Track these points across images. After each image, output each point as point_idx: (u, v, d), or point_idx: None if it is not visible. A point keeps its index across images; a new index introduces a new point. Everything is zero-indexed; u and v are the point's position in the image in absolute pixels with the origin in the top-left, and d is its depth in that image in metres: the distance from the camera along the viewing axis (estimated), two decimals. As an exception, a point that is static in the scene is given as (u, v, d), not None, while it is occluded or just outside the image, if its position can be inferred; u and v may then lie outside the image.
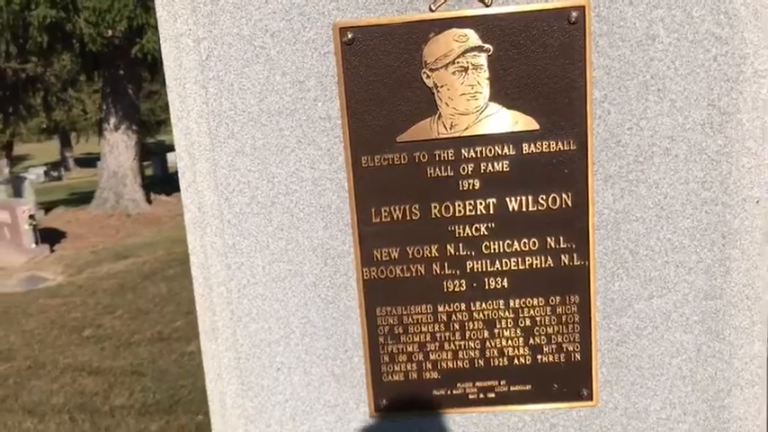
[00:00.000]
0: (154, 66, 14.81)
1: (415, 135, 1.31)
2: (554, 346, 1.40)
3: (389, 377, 1.43)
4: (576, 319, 1.39)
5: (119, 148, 14.28)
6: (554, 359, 1.41)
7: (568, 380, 1.41)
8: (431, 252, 1.37)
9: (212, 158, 1.36)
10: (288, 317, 1.42)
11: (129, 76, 14.24)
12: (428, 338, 1.41)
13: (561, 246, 1.36)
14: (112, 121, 14.19)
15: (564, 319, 1.39)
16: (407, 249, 1.37)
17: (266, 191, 1.37)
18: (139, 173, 14.79)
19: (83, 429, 4.74)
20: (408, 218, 1.35)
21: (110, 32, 11.91)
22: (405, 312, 1.40)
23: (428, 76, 1.29)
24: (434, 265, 1.37)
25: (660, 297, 1.38)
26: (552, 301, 1.38)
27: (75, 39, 11.96)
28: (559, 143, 1.31)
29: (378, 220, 1.36)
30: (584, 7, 1.26)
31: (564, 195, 1.33)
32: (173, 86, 1.35)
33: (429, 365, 1.42)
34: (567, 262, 1.36)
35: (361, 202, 1.35)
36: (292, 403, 1.46)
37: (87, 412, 5.02)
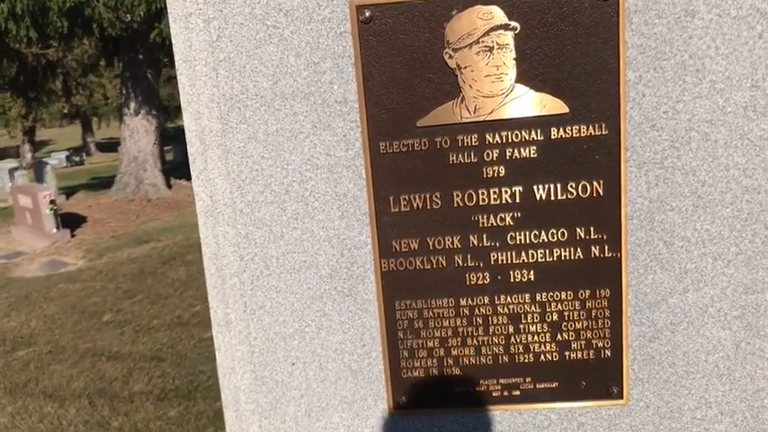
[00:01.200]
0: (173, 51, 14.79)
1: (436, 119, 1.24)
2: (583, 342, 1.33)
3: (409, 373, 1.36)
4: (607, 313, 1.31)
5: (139, 132, 14.30)
6: (583, 356, 1.34)
7: (597, 377, 1.34)
8: (453, 243, 1.30)
9: (224, 145, 1.30)
10: (303, 310, 1.36)
11: (148, 61, 14.23)
12: (450, 333, 1.34)
13: (591, 237, 1.28)
14: (132, 105, 14.21)
15: (593, 314, 1.32)
16: (428, 240, 1.30)
17: (280, 179, 1.31)
18: (159, 158, 14.82)
19: (102, 414, 4.74)
20: (429, 207, 1.28)
21: (128, 17, 11.89)
22: (425, 306, 1.33)
23: (451, 57, 1.21)
24: (457, 257, 1.30)
25: (696, 291, 1.30)
26: (581, 294, 1.31)
27: (95, 23, 11.94)
28: (590, 128, 1.23)
29: (397, 209, 1.29)
30: (618, -18, 1.17)
31: (595, 183, 1.26)
32: (182, 69, 1.29)
33: (450, 361, 1.35)
34: (597, 254, 1.29)
35: (379, 190, 1.28)
36: (308, 399, 1.40)
37: (107, 397, 5.02)
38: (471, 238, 1.29)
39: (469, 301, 1.32)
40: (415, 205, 1.28)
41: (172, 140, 26.37)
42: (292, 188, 1.31)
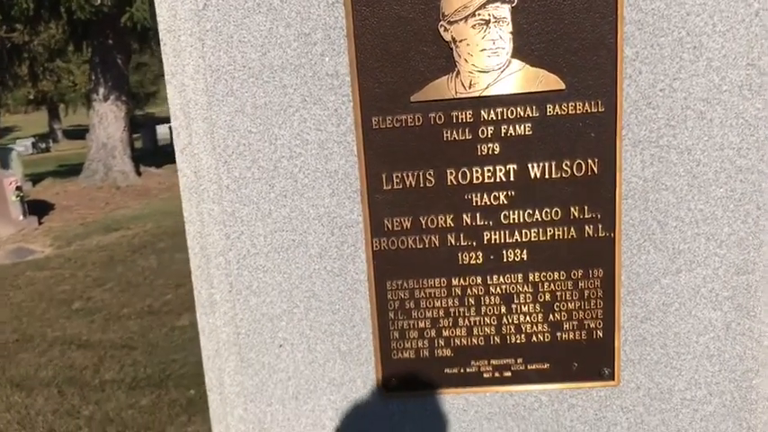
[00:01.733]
0: (144, 36, 14.54)
1: (430, 94, 1.21)
2: (575, 323, 1.32)
3: (399, 354, 1.34)
4: (600, 294, 1.30)
5: (108, 119, 14.03)
6: (575, 336, 1.32)
7: (589, 358, 1.33)
8: (446, 222, 1.27)
9: (209, 118, 1.26)
10: (291, 290, 1.33)
11: (118, 46, 13.94)
12: (441, 314, 1.32)
13: (585, 216, 1.26)
14: (101, 91, 13.93)
15: (586, 295, 1.30)
16: (420, 219, 1.27)
17: (268, 154, 1.27)
18: (129, 145, 14.58)
19: (72, 403, 4.65)
20: (422, 185, 1.25)
21: (98, 0, 11.64)
22: (417, 286, 1.30)
23: (446, 30, 1.18)
24: (449, 236, 1.28)
25: (689, 271, 1.29)
26: (574, 274, 1.30)
27: (63, 6, 11.67)
28: (586, 104, 1.21)
29: (389, 186, 1.26)
30: (617, -45, 1.15)
31: (590, 161, 1.24)
32: (166, 39, 1.24)
33: (441, 342, 1.33)
34: (591, 233, 1.27)
35: (371, 167, 1.25)
36: (295, 381, 1.37)
37: (77, 386, 4.93)
38: (465, 216, 1.27)
39: (462, 281, 1.30)
40: (407, 183, 1.25)
41: (140, 128, 26.00)
42: (281, 164, 1.27)
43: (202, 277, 1.35)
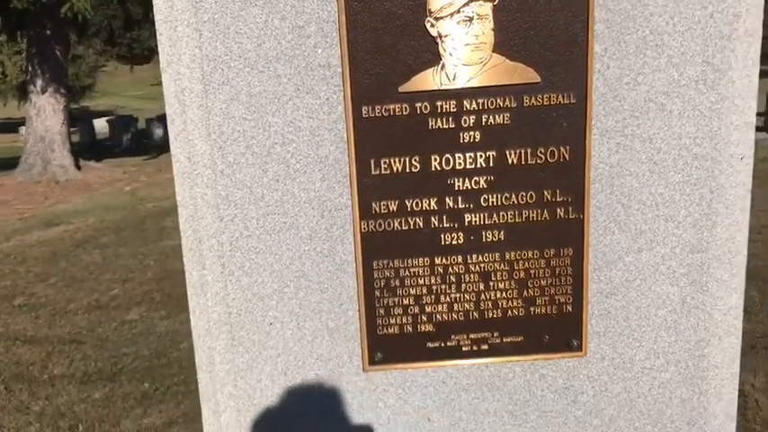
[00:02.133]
0: (83, 27, 14.17)
1: (417, 85, 1.29)
2: (547, 298, 1.42)
3: (384, 330, 1.42)
4: (569, 271, 1.41)
5: (46, 111, 13.63)
6: (546, 311, 1.43)
7: (559, 331, 1.44)
8: (430, 205, 1.36)
9: (205, 105, 1.31)
10: (282, 270, 1.40)
11: (56, 36, 13.55)
12: (424, 291, 1.41)
13: (557, 199, 1.37)
14: (39, 83, 13.51)
15: (557, 272, 1.41)
16: (406, 202, 1.36)
17: (262, 140, 1.33)
18: (68, 138, 14.20)
19: (20, 399, 4.56)
20: (408, 170, 1.34)
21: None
22: (402, 265, 1.39)
23: (432, 25, 1.27)
24: (433, 218, 1.37)
25: (649, 250, 1.42)
26: (547, 253, 1.40)
27: (-3, -6, 11.30)
28: (560, 96, 1.32)
29: (377, 172, 1.34)
30: (588, -40, 1.26)
31: (562, 149, 1.34)
32: (162, 30, 1.29)
33: (424, 318, 1.42)
34: (562, 215, 1.38)
35: (360, 153, 1.33)
36: (284, 358, 1.44)
37: (24, 382, 4.83)
38: (447, 200, 1.36)
39: (444, 261, 1.39)
40: (394, 169, 1.33)
41: (77, 121, 25.27)
42: (274, 150, 1.34)
43: (194, 259, 1.40)
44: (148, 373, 4.77)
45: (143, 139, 21.20)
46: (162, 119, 20.96)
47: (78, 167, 14.32)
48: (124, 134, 21.67)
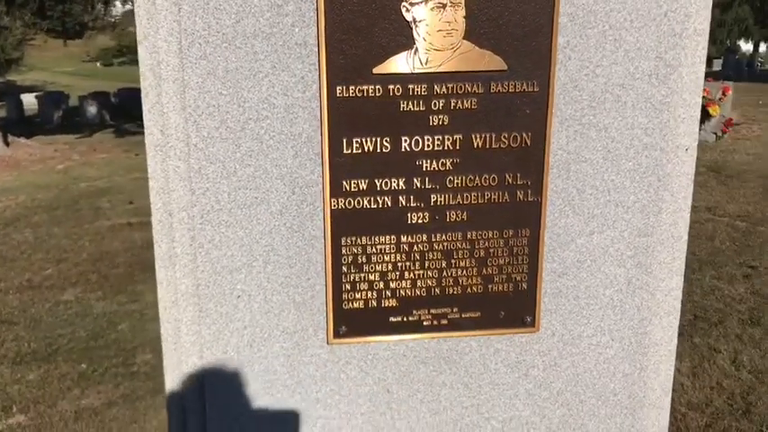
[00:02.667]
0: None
1: (391, 68, 1.34)
2: (504, 277, 1.50)
3: (350, 305, 1.47)
4: (526, 251, 1.49)
5: (-28, 83, 13.04)
6: (503, 288, 1.50)
7: (514, 308, 1.52)
8: (398, 185, 1.41)
9: (181, 79, 1.33)
10: (251, 244, 1.43)
11: (-17, 5, 12.98)
12: (390, 268, 1.46)
13: (518, 182, 1.44)
14: (-36, 53, 12.91)
15: (515, 252, 1.49)
16: (376, 181, 1.40)
17: (236, 116, 1.35)
18: (-5, 113, 13.63)
19: (-51, 381, 4.42)
20: (379, 150, 1.38)
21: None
22: (369, 242, 1.44)
23: (407, 10, 1.32)
24: (401, 198, 1.42)
25: (600, 233, 1.51)
26: (506, 234, 1.47)
27: None
28: (524, 84, 1.39)
29: (349, 151, 1.38)
30: (556, -45, 1.33)
31: (524, 135, 1.42)
32: (140, 2, 1.30)
33: (388, 293, 1.47)
34: (522, 198, 1.45)
35: (332, 132, 1.37)
36: (251, 330, 1.47)
37: (-47, 362, 4.68)
38: (415, 180, 1.41)
39: (409, 239, 1.45)
40: (366, 148, 1.38)
41: (4, 96, 24.23)
42: (248, 126, 1.36)
43: (163, 232, 1.42)
44: (85, 354, 4.69)
45: (75, 117, 20.48)
46: (96, 97, 20.30)
47: (7, 143, 13.77)
48: (55, 111, 20.88)
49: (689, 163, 1.50)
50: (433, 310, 1.50)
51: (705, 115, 11.54)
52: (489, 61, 1.36)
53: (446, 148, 1.40)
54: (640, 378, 1.61)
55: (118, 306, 5.54)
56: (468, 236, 1.46)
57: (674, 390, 3.87)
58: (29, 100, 23.58)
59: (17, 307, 5.65)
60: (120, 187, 10.43)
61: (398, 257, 1.45)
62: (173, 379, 1.50)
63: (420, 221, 1.44)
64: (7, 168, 12.34)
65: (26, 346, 4.89)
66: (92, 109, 19.75)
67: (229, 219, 1.41)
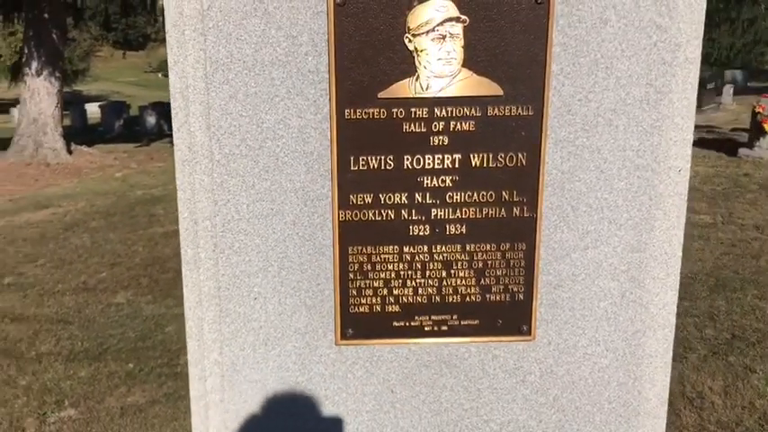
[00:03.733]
0: (80, 12, 14.25)
1: (394, 93, 1.47)
2: (501, 287, 1.60)
3: (356, 309, 1.59)
4: (522, 264, 1.59)
5: (40, 94, 13.72)
6: (500, 298, 1.61)
7: (511, 317, 1.62)
8: (401, 199, 1.53)
9: (206, 102, 1.48)
10: (267, 251, 1.57)
11: (54, 20, 13.65)
12: (393, 276, 1.58)
13: (514, 199, 1.55)
14: (34, 65, 13.61)
15: (511, 264, 1.59)
16: (380, 196, 1.53)
17: (255, 135, 1.50)
18: (60, 122, 14.28)
19: (8, 374, 4.70)
20: (383, 167, 1.51)
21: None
22: (374, 252, 1.56)
23: (410, 41, 1.44)
24: (403, 211, 1.54)
25: (594, 248, 1.60)
26: (503, 247, 1.58)
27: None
28: (519, 108, 1.49)
29: (356, 168, 1.51)
30: (549, -10, 1.44)
31: (520, 155, 1.52)
32: (172, 33, 1.46)
33: (392, 300, 1.60)
34: (518, 213, 1.56)
35: (341, 150, 1.50)
36: (266, 329, 1.61)
37: (12, 357, 4.97)
38: (417, 195, 1.53)
39: (411, 249, 1.57)
40: (371, 165, 1.51)
41: (70, 105, 25.27)
42: (266, 144, 1.51)
43: (189, 238, 1.57)
44: (133, 354, 4.92)
45: (135, 126, 21.25)
46: (155, 107, 20.99)
47: (70, 151, 14.41)
48: (116, 120, 21.72)
49: (682, 183, 1.58)
50: (433, 317, 1.61)
51: (760, 132, 11.32)
52: (486, 87, 1.48)
53: (446, 166, 1.52)
54: (635, 387, 1.69)
55: (166, 309, 5.79)
56: (467, 248, 1.57)
57: (703, 408, 3.88)
58: (92, 109, 24.54)
59: (72, 307, 5.96)
60: (175, 195, 10.75)
61: (401, 266, 1.58)
62: (195, 374, 1.65)
63: (421, 233, 1.56)
64: (69, 175, 12.90)
65: (79, 344, 5.16)
66: (151, 119, 20.44)
67: (248, 227, 1.55)
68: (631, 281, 1.62)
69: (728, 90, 21.00)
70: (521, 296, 1.61)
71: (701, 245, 6.83)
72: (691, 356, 4.45)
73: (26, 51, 13.91)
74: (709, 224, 7.65)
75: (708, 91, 19.17)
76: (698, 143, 12.81)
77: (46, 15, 13.43)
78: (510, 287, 1.60)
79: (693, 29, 1.49)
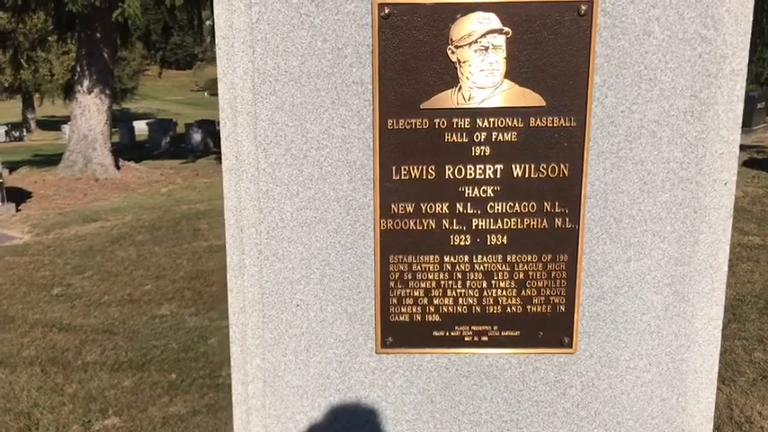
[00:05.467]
0: (127, 31, 14.67)
1: (436, 103, 1.49)
2: (542, 298, 1.60)
3: (396, 317, 1.61)
4: (564, 275, 1.59)
5: (90, 111, 14.14)
6: (541, 310, 1.60)
7: (552, 329, 1.61)
8: (442, 209, 1.55)
9: (253, 112, 1.52)
10: (310, 259, 1.59)
11: (105, 39, 14.09)
12: (433, 285, 1.59)
13: (556, 210, 1.55)
14: (86, 83, 14.04)
15: (553, 275, 1.59)
16: (421, 205, 1.55)
17: (300, 144, 1.53)
18: (109, 138, 14.68)
19: (55, 381, 4.82)
20: (425, 177, 1.53)
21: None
22: (414, 261, 1.58)
23: (453, 52, 1.46)
24: (444, 221, 1.55)
25: (637, 261, 1.59)
26: (544, 258, 1.58)
27: (53, -3, 11.80)
28: (562, 120, 1.50)
29: (397, 177, 1.53)
30: (592, 2, 1.45)
31: (562, 166, 1.53)
32: (221, 45, 1.51)
33: (432, 309, 1.60)
34: (559, 225, 1.56)
35: (384, 160, 1.52)
36: (307, 336, 1.63)
37: (59, 365, 5.09)
38: (458, 205, 1.55)
39: (452, 259, 1.58)
40: (413, 175, 1.53)
41: (118, 122, 25.95)
42: (310, 153, 1.54)
43: (235, 245, 1.61)
44: (176, 365, 5.00)
45: (181, 144, 21.70)
46: (201, 125, 21.42)
47: (118, 167, 14.78)
48: (162, 137, 22.21)
49: (727, 197, 1.56)
50: (474, 327, 1.61)
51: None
52: (529, 98, 1.49)
53: (488, 176, 1.53)
54: (678, 404, 1.66)
55: (209, 322, 5.87)
56: (508, 258, 1.58)
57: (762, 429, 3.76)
58: (140, 127, 25.17)
59: (117, 318, 6.09)
60: (219, 210, 10.97)
61: (441, 276, 1.59)
62: (238, 378, 1.68)
63: (462, 243, 1.57)
64: (117, 190, 13.22)
65: (123, 354, 5.27)
66: (197, 136, 20.85)
67: (291, 235, 1.58)
68: (675, 294, 1.61)
69: (779, 110, 20.53)
70: (562, 308, 1.60)
71: (751, 266, 6.67)
72: (739, 380, 4.33)
73: (78, 70, 14.37)
74: (758, 245, 7.47)
75: (758, 111, 18.79)
76: (748, 163, 12.56)
77: (98, 35, 13.88)
78: (551, 299, 1.60)
79: (739, 41, 1.48)
